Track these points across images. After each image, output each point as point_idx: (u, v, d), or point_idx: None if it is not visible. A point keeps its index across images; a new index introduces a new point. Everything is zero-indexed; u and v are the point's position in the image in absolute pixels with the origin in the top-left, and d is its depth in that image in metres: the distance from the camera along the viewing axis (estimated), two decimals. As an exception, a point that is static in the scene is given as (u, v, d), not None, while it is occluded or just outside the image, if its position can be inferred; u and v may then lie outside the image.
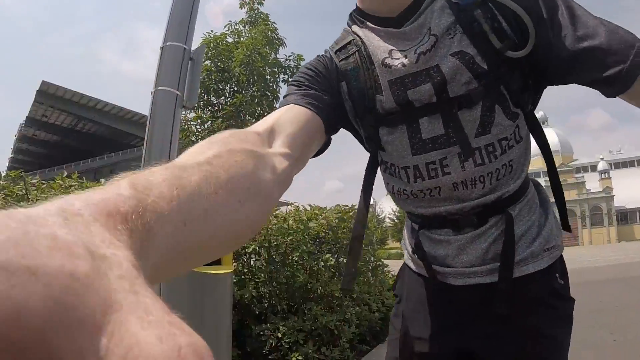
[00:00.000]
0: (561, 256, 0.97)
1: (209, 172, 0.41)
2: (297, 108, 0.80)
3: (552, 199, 1.03)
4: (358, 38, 0.92)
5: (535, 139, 0.95)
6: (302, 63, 3.95)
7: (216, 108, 10.37)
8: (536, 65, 0.84)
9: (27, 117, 49.58)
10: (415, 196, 0.94)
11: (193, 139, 9.95)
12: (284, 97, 0.88)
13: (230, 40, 10.77)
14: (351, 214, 4.46)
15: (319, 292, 3.93)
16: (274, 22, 11.03)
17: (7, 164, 54.85)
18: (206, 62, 10.22)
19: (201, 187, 0.38)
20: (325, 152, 0.96)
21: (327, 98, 0.87)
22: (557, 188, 0.99)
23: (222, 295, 1.92)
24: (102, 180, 3.29)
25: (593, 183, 56.26)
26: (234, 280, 3.66)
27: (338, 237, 4.18)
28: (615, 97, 0.79)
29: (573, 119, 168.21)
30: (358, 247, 1.02)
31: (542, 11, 0.80)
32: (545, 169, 0.98)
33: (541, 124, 0.95)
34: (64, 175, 3.00)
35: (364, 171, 1.02)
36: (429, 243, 0.99)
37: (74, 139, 54.82)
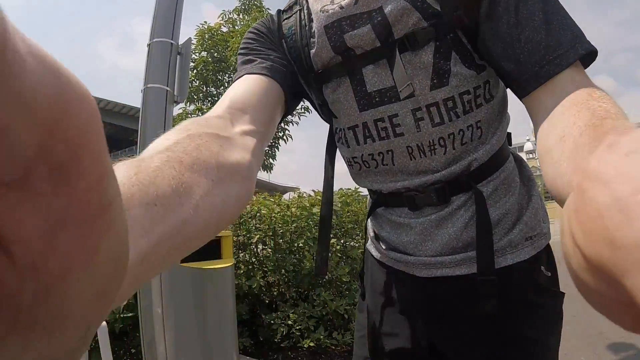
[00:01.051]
0: (548, 245, 0.84)
1: (169, 157, 0.39)
2: (250, 78, 0.74)
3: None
4: None
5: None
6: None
7: (216, 99, 10.35)
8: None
9: None
10: (367, 165, 0.83)
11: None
12: (237, 68, 0.81)
13: (225, 29, 10.70)
14: (355, 197, 4.45)
15: (327, 277, 3.94)
16: (268, 8, 10.94)
17: None
18: (202, 53, 10.19)
19: (163, 171, 0.36)
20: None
21: (275, 57, 0.80)
22: None
23: (224, 289, 1.92)
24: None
25: None
26: (242, 271, 3.68)
27: (342, 221, 4.16)
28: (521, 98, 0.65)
29: None
30: (325, 230, 0.93)
31: None
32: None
33: None
34: None
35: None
36: (389, 227, 0.87)
37: None
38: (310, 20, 0.80)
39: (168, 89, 2.40)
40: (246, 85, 0.72)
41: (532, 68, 0.61)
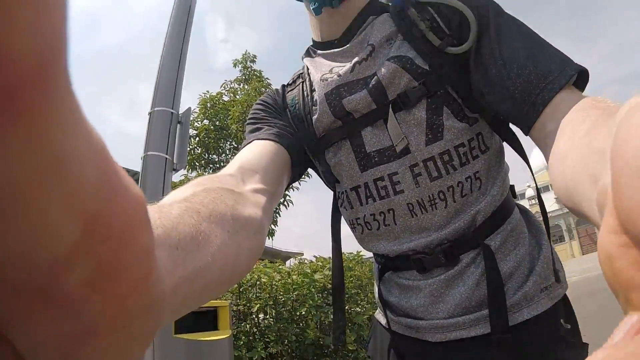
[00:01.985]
0: (565, 295, 0.81)
1: (188, 207, 0.39)
2: (259, 142, 0.77)
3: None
4: (305, 71, 0.90)
5: (514, 149, 0.82)
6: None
7: (217, 166, 10.47)
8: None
9: None
10: (369, 227, 0.83)
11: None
12: (245, 136, 0.84)
13: (226, 98, 11.02)
14: (357, 260, 4.38)
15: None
16: (267, 78, 11.34)
17: None
18: (204, 121, 10.43)
19: (183, 218, 0.36)
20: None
21: (282, 125, 0.83)
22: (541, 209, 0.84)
23: (221, 362, 1.83)
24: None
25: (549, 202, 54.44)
26: (242, 342, 3.54)
27: (346, 286, 4.07)
28: (527, 134, 0.66)
29: None
30: (339, 298, 0.93)
31: (475, 12, 0.72)
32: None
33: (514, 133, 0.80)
34: None
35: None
36: (398, 291, 0.85)
37: None
38: (312, 90, 0.85)
39: (167, 156, 2.42)
40: (255, 149, 0.74)
41: (529, 99, 0.62)
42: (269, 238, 10.95)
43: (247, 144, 0.78)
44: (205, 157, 10.47)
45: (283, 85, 0.94)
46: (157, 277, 0.15)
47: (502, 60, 0.67)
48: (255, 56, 11.87)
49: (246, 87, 11.26)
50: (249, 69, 11.71)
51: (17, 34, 0.10)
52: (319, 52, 0.89)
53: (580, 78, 0.63)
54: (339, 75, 0.80)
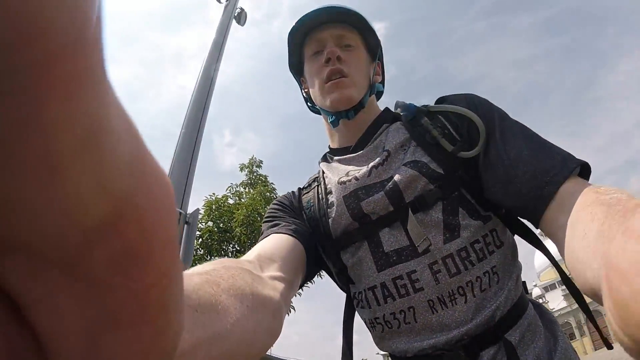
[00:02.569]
0: None
1: (208, 279, 0.41)
2: (277, 235, 0.80)
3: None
4: (320, 175, 0.97)
5: (529, 242, 0.85)
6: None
7: (219, 268, 10.35)
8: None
9: None
10: (389, 325, 0.81)
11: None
12: (263, 230, 0.88)
13: (231, 201, 11.15)
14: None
15: None
16: (272, 183, 11.58)
17: None
18: (208, 223, 10.46)
19: (204, 287, 0.37)
20: (339, 304, 0.95)
21: (299, 223, 0.88)
22: (576, 295, 0.80)
23: None
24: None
25: (557, 300, 51.54)
26: None
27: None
28: (537, 228, 0.71)
29: None
30: None
31: (482, 118, 0.79)
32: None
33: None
34: None
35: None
36: None
37: None
38: (328, 193, 0.91)
39: (173, 255, 2.41)
40: (274, 241, 0.78)
41: (536, 193, 0.66)
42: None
43: (265, 237, 0.81)
44: (207, 259, 10.37)
45: (299, 189, 1.01)
46: (177, 277, 0.15)
47: (509, 160, 0.72)
48: (261, 161, 12.23)
49: (251, 191, 11.45)
50: (255, 174, 11.99)
51: (55, 5, 0.10)
52: (335, 157, 0.96)
53: (583, 170, 0.68)
54: (357, 179, 0.85)
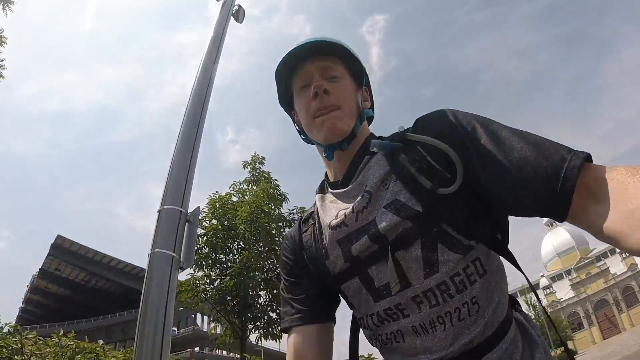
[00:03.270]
0: None
1: None
2: (299, 334, 1.02)
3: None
4: (316, 210, 1.05)
5: (512, 264, 0.90)
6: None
7: (224, 266, 10.35)
8: (480, 195, 0.83)
9: (40, 269, 49.19)
10: (385, 343, 0.93)
11: (203, 296, 9.75)
12: (282, 303, 1.10)
13: (235, 199, 11.17)
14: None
15: None
16: (275, 180, 11.58)
17: (17, 313, 53.02)
18: (212, 221, 10.48)
19: None
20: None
21: (307, 292, 1.05)
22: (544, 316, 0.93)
23: None
24: (100, 341, 3.18)
25: (617, 266, 52.37)
26: None
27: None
28: (564, 221, 0.72)
29: None
30: None
31: (463, 137, 0.82)
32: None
33: (511, 253, 0.89)
34: (60, 334, 2.93)
35: None
36: None
37: (86, 294, 53.55)
38: (322, 233, 1.00)
39: (174, 255, 2.41)
40: (300, 341, 1.01)
41: (555, 190, 0.68)
42: (276, 341, 10.56)
43: (286, 329, 1.05)
44: (213, 257, 10.38)
45: (299, 224, 1.11)
46: None
47: (514, 165, 0.74)
48: (264, 158, 12.23)
49: (254, 187, 11.45)
50: (258, 171, 12.00)
51: None
52: (329, 191, 1.03)
53: (589, 158, 0.71)
54: (346, 225, 0.93)
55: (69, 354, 2.71)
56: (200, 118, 3.12)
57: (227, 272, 9.94)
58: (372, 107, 1.09)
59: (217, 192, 11.01)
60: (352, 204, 0.92)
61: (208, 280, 10.10)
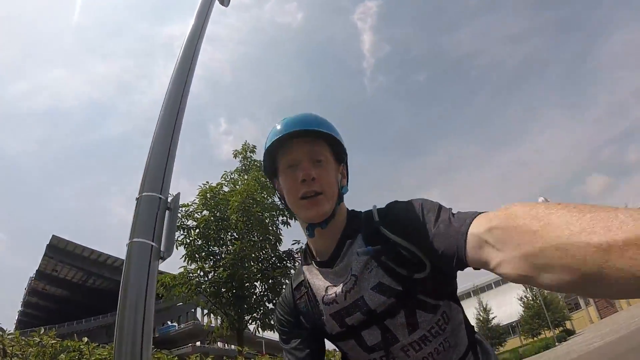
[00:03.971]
0: None
1: None
2: None
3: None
4: (306, 279, 1.23)
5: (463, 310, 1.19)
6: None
7: (218, 257, 10.26)
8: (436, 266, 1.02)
9: (37, 270, 48.71)
10: None
11: (197, 289, 9.68)
12: (283, 351, 1.29)
13: (226, 189, 11.05)
14: None
15: None
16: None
17: (17, 317, 52.72)
18: (204, 212, 10.36)
19: None
20: None
21: (303, 344, 1.24)
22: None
23: None
24: (85, 338, 3.08)
25: None
26: None
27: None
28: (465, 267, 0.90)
29: (574, 191, 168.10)
30: None
31: (420, 228, 0.99)
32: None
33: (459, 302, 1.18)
34: (41, 333, 2.83)
35: None
36: None
37: (85, 294, 53.29)
38: (317, 303, 1.18)
39: (154, 244, 2.28)
40: None
41: (456, 240, 0.87)
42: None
43: None
44: (206, 249, 10.28)
45: (292, 290, 1.28)
46: None
47: (442, 235, 0.93)
48: (255, 146, 12.11)
49: (246, 177, 11.33)
50: (249, 159, 11.87)
51: None
52: (313, 264, 1.21)
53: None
54: (337, 303, 1.12)
55: (51, 353, 2.61)
56: (181, 103, 2.98)
57: (220, 263, 9.86)
58: (347, 181, 1.24)
59: (207, 182, 10.89)
60: (340, 285, 1.11)
61: (202, 273, 10.03)
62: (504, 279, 0.74)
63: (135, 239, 2.18)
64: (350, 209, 1.23)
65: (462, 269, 0.94)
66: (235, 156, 12.07)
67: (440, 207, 1.01)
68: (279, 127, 1.12)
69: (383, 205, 1.17)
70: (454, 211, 0.98)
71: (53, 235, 45.34)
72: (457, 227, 0.88)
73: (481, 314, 44.96)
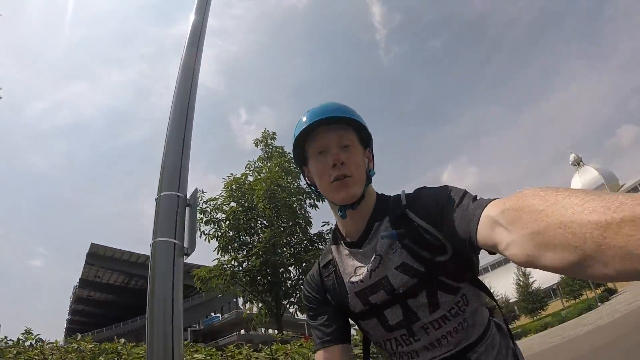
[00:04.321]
0: None
1: None
2: (323, 353, 1.24)
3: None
4: (335, 258, 1.28)
5: (488, 295, 1.23)
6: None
7: (250, 246, 10.39)
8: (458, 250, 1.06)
9: (80, 279, 50.76)
10: (400, 356, 1.21)
11: (233, 279, 9.84)
12: (306, 318, 1.37)
13: (251, 178, 11.12)
14: None
15: None
16: (289, 153, 11.42)
17: (65, 325, 55.08)
18: (232, 204, 10.48)
19: None
20: None
21: (331, 319, 1.28)
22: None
23: None
24: (122, 340, 3.18)
25: None
26: None
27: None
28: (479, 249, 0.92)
29: (606, 144, 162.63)
30: None
31: (442, 211, 1.04)
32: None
33: (487, 287, 1.23)
34: (78, 339, 2.93)
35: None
36: None
37: (128, 296, 54.74)
38: (343, 281, 1.23)
39: (177, 242, 2.32)
40: (330, 358, 1.24)
41: (470, 226, 0.90)
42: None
43: (316, 350, 1.28)
44: (238, 240, 10.42)
45: (320, 269, 1.34)
46: None
47: (459, 217, 0.97)
48: (274, 133, 12.11)
49: (269, 164, 11.38)
50: (270, 147, 11.90)
51: None
52: (342, 245, 1.27)
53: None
54: (362, 282, 1.17)
55: (90, 357, 2.71)
56: (189, 101, 3.00)
57: (253, 252, 9.99)
58: (373, 164, 1.28)
59: (231, 174, 10.98)
60: (366, 265, 1.17)
61: (236, 263, 10.18)
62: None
63: (158, 239, 2.22)
64: (380, 192, 1.29)
65: (475, 252, 0.99)
66: (256, 145, 12.11)
67: (465, 193, 1.04)
68: (304, 118, 1.18)
69: (411, 191, 1.23)
70: (479, 196, 1.01)
71: (92, 243, 46.70)
72: (472, 209, 0.91)
73: (520, 279, 44.55)
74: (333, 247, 1.31)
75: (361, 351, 1.41)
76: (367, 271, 1.15)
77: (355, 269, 1.21)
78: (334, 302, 1.28)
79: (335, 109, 1.18)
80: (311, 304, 1.34)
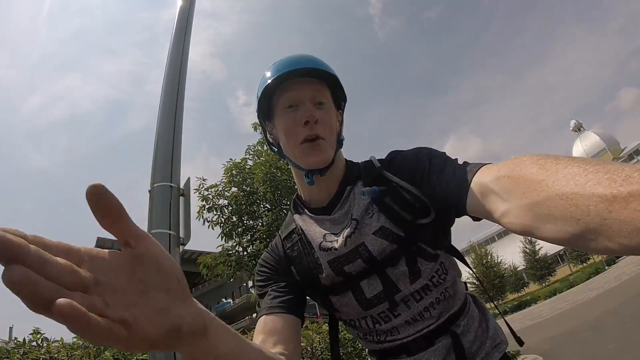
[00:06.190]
0: (505, 353, 1.13)
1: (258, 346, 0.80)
2: (274, 318, 1.03)
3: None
4: (299, 227, 1.15)
5: (463, 263, 1.20)
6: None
7: (254, 231, 10.40)
8: (440, 213, 1.01)
9: None
10: (379, 339, 1.11)
11: (237, 265, 9.89)
12: (258, 297, 1.14)
13: (251, 163, 11.08)
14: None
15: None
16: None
17: None
18: (233, 189, 10.46)
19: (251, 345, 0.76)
20: None
21: (286, 288, 1.10)
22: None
23: None
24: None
25: None
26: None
27: None
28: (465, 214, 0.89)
29: (608, 109, 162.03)
30: None
31: (423, 172, 0.98)
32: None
33: (462, 255, 1.18)
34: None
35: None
36: None
37: None
38: (313, 251, 1.10)
39: (172, 232, 2.31)
40: (271, 325, 1.02)
41: (461, 189, 0.84)
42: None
43: (262, 315, 1.06)
44: (241, 225, 10.41)
45: (281, 240, 1.19)
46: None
47: (445, 181, 0.92)
48: (272, 116, 12.00)
49: (267, 147, 11.32)
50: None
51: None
52: (306, 212, 1.15)
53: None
54: (336, 249, 1.05)
55: (95, 352, 2.75)
56: (179, 90, 2.96)
57: (256, 236, 10.00)
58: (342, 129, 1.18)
59: (231, 159, 10.93)
60: (339, 231, 1.07)
61: (240, 249, 10.21)
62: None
63: (153, 231, 2.21)
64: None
65: (459, 216, 0.93)
66: (255, 128, 12.03)
67: (447, 156, 0.99)
68: (275, 66, 1.05)
69: (382, 157, 1.14)
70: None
71: (98, 238, 46.91)
72: (461, 174, 0.85)
73: (527, 246, 44.73)
74: (295, 216, 1.17)
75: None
76: (343, 238, 1.04)
77: (324, 236, 1.09)
78: (300, 277, 1.12)
79: (311, 60, 1.05)
80: (265, 273, 1.15)
